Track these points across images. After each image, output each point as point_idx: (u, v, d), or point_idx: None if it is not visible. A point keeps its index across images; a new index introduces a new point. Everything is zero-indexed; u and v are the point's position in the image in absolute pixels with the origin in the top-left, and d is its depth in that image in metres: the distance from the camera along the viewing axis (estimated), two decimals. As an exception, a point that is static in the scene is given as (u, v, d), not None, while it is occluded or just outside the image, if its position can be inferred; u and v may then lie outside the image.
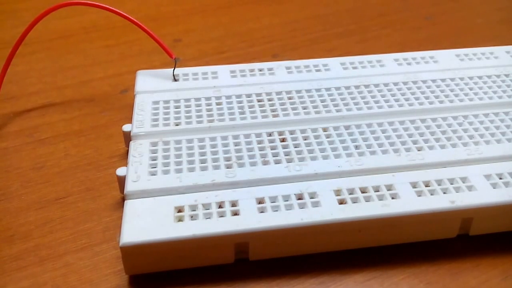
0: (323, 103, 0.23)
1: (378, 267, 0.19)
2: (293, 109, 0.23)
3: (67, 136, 0.24)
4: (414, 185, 0.19)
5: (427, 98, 0.24)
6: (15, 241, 0.19)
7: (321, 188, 0.19)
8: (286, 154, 0.21)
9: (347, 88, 0.24)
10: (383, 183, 0.19)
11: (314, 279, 0.18)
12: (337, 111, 0.23)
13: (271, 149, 0.21)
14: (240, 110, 0.23)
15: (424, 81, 0.25)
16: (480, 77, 0.25)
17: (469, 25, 0.35)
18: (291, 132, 0.22)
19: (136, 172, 0.20)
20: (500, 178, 0.20)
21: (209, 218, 0.18)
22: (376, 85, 0.24)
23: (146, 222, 0.18)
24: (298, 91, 0.24)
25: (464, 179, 0.19)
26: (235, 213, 0.18)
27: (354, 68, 0.26)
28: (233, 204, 0.19)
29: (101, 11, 0.24)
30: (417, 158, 0.20)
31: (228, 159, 0.20)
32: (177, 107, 0.23)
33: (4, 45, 0.30)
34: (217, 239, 0.17)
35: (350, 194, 0.19)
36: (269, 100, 0.24)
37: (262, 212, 0.18)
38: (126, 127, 0.22)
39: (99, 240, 0.19)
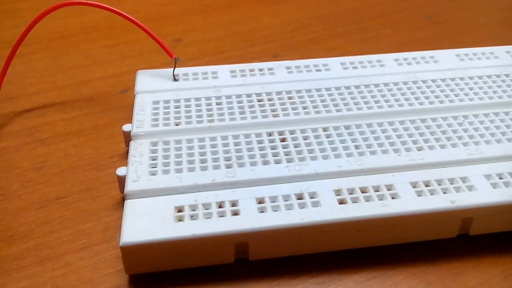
0: (323, 103, 0.23)
1: (378, 267, 0.19)
2: (293, 109, 0.23)
3: (67, 136, 0.24)
4: (414, 185, 0.19)
5: (427, 98, 0.24)
6: (15, 241, 0.19)
7: (321, 188, 0.19)
8: (286, 154, 0.21)
9: (347, 88, 0.24)
10: (383, 183, 0.19)
11: (314, 279, 0.18)
12: (337, 111, 0.23)
13: (271, 149, 0.21)
14: (240, 110, 0.23)
15: (424, 81, 0.25)
16: (480, 77, 0.25)
17: (469, 25, 0.35)
18: (291, 132, 0.22)
19: (136, 172, 0.20)
20: (500, 178, 0.19)
21: (209, 218, 0.18)
22: (376, 85, 0.24)
23: (146, 222, 0.18)
24: (298, 91, 0.24)
25: (464, 179, 0.19)
26: (235, 213, 0.18)
27: (354, 68, 0.26)
28: (233, 204, 0.18)
29: (101, 11, 0.24)
30: (417, 158, 0.20)
31: (228, 159, 0.20)
32: (177, 107, 0.23)
33: (4, 45, 0.30)
34: (217, 239, 0.17)
35: (350, 194, 0.19)
36: (269, 100, 0.24)
37: (262, 212, 0.18)
38: (126, 127, 0.22)
39: (99, 240, 0.19)
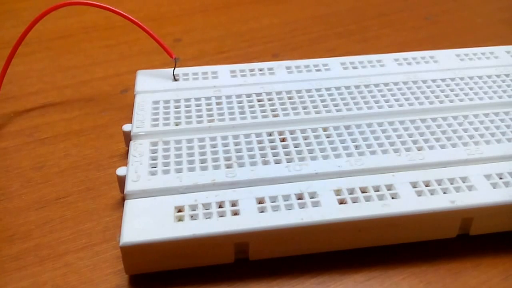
0: (323, 103, 0.23)
1: (378, 267, 0.19)
2: (293, 109, 0.23)
3: (67, 136, 0.24)
4: (414, 185, 0.19)
5: (427, 98, 0.24)
6: (15, 241, 0.19)
7: (321, 188, 0.19)
8: (286, 154, 0.21)
9: (347, 88, 0.24)
10: (383, 183, 0.19)
11: (314, 279, 0.18)
12: (337, 111, 0.23)
13: (271, 149, 0.21)
14: (240, 110, 0.23)
15: (424, 81, 0.25)
16: (480, 77, 0.25)
17: (469, 25, 0.35)
18: (291, 132, 0.22)
19: (136, 172, 0.20)
20: (500, 178, 0.19)
21: (209, 218, 0.18)
22: (376, 85, 0.24)
23: (146, 222, 0.18)
24: (298, 91, 0.24)
25: (464, 179, 0.19)
26: (235, 213, 0.18)
27: (354, 68, 0.26)
28: (233, 204, 0.18)
29: (101, 11, 0.24)
30: (417, 158, 0.20)
31: (228, 159, 0.20)
32: (177, 107, 0.23)
33: (4, 45, 0.30)
34: (217, 239, 0.17)
35: (350, 194, 0.19)
36: (269, 100, 0.24)
37: (262, 212, 0.18)
38: (126, 127, 0.22)
39: (99, 240, 0.19)
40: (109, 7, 0.24)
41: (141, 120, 0.22)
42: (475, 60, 0.27)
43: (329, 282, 0.18)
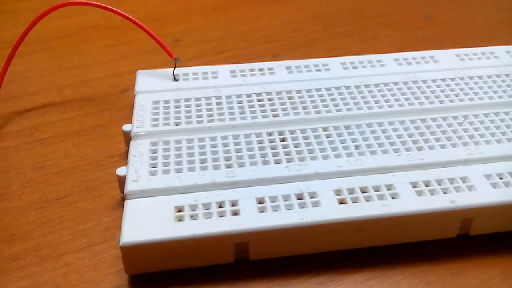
0: (323, 103, 0.23)
1: (378, 267, 0.19)
2: (293, 109, 0.23)
3: (67, 136, 0.24)
4: (414, 185, 0.19)
5: (427, 98, 0.24)
6: (15, 241, 0.19)
7: (321, 188, 0.19)
8: (286, 154, 0.21)
9: (347, 88, 0.24)
10: (383, 183, 0.19)
11: (314, 279, 0.18)
12: (337, 111, 0.23)
13: (271, 149, 0.21)
14: (240, 110, 0.23)
15: (424, 81, 0.25)
16: (480, 77, 0.25)
17: (469, 25, 0.35)
18: (291, 132, 0.22)
19: (136, 172, 0.20)
20: (500, 178, 0.19)
21: (209, 218, 0.18)
22: (376, 85, 0.24)
23: (146, 222, 0.18)
24: (298, 91, 0.24)
25: (464, 179, 0.19)
26: (235, 213, 0.18)
27: (354, 68, 0.26)
28: (233, 204, 0.18)
29: (101, 11, 0.24)
30: (417, 158, 0.20)
31: (228, 159, 0.20)
32: (177, 107, 0.23)
33: (4, 45, 0.30)
34: (217, 239, 0.17)
35: (350, 194, 0.19)
36: (269, 100, 0.24)
37: (262, 212, 0.18)
38: (126, 127, 0.22)
39: (99, 240, 0.19)
40: (109, 7, 0.24)
41: (141, 120, 0.22)
42: (475, 60, 0.27)
43: (329, 282, 0.18)
